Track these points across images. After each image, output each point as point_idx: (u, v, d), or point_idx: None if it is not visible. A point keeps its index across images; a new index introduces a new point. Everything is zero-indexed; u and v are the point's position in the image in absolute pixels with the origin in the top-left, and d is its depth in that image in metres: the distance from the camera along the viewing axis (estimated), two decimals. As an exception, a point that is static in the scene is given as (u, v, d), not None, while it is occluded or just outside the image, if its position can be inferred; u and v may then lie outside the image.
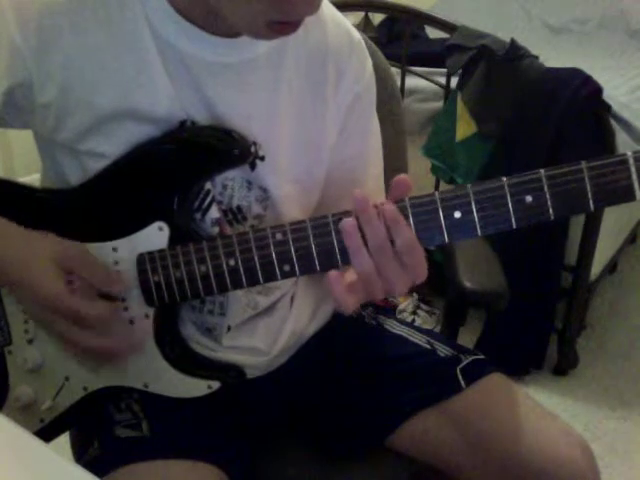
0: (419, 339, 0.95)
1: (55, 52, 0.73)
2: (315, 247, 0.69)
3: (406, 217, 0.65)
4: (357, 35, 0.88)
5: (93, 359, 0.78)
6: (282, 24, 0.67)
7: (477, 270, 0.99)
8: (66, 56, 0.73)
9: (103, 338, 0.74)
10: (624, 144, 1.72)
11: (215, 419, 0.84)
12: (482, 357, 0.91)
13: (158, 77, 0.74)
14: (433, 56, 1.98)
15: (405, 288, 0.67)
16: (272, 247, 0.70)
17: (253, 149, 0.78)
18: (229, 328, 0.85)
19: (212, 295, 0.77)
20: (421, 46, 2.28)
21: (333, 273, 0.66)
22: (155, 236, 0.76)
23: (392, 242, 0.65)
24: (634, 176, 0.60)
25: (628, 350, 2.09)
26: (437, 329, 1.88)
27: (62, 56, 0.73)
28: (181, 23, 0.74)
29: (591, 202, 0.62)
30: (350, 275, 0.68)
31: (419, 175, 1.91)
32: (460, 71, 1.82)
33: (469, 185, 0.64)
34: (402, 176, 0.66)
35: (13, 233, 0.75)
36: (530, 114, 1.73)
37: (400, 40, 2.09)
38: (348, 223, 0.65)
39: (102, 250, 0.76)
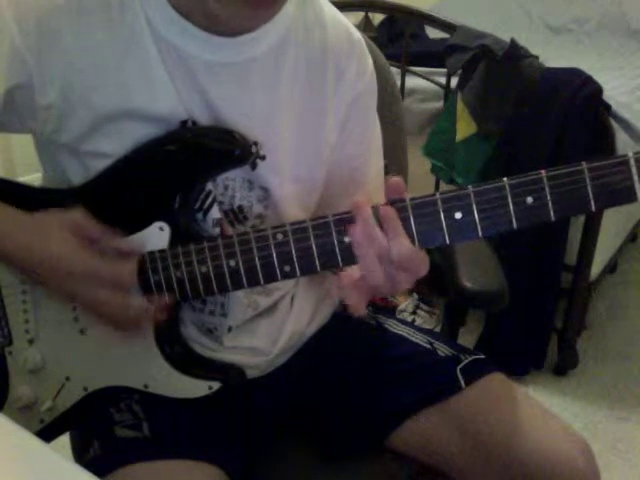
0: (419, 339, 0.95)
1: (55, 53, 0.73)
2: (316, 248, 0.69)
3: (407, 218, 0.65)
4: (357, 34, 0.88)
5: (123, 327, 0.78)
6: None
7: (477, 270, 0.99)
8: (67, 57, 0.73)
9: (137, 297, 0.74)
10: (624, 144, 1.72)
11: (215, 419, 0.84)
12: (482, 357, 0.91)
13: (159, 77, 0.74)
14: (433, 56, 1.98)
15: (409, 286, 0.68)
16: (273, 248, 0.70)
17: (254, 149, 0.78)
18: (230, 329, 0.85)
19: (213, 295, 0.77)
20: (421, 46, 2.28)
21: (343, 275, 0.67)
22: (156, 236, 0.75)
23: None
24: (635, 177, 0.60)
25: (628, 350, 2.09)
26: (437, 329, 1.87)
27: (63, 57, 0.73)
28: (181, 23, 0.74)
29: (592, 203, 0.61)
30: (355, 272, 0.68)
31: (419, 175, 1.91)
32: (460, 71, 1.82)
33: (470, 186, 0.64)
34: (394, 179, 0.66)
35: (18, 219, 0.75)
36: (530, 114, 1.73)
37: (400, 40, 2.09)
38: (356, 232, 0.66)
39: None
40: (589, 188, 0.61)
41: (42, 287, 0.78)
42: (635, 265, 2.56)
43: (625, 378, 1.97)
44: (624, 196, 0.61)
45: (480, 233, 0.65)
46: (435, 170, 1.94)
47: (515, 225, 0.64)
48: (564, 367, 1.98)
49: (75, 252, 0.72)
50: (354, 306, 0.67)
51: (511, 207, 0.63)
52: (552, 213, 0.62)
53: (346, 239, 0.67)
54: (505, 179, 0.63)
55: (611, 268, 2.31)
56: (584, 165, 0.61)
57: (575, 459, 0.82)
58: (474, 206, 0.64)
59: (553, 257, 1.83)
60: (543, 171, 0.62)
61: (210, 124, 0.77)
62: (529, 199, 0.63)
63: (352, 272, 0.68)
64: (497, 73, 1.74)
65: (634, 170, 0.60)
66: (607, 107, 1.72)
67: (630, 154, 0.60)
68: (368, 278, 0.66)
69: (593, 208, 0.62)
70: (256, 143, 0.78)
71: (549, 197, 0.62)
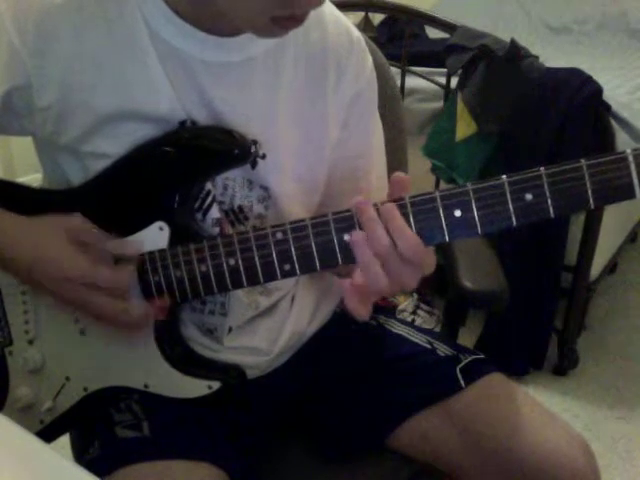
0: (419, 339, 0.95)
1: (54, 55, 0.73)
2: (315, 246, 0.68)
3: (406, 216, 0.65)
4: (357, 33, 0.87)
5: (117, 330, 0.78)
6: (287, 19, 0.66)
7: (477, 270, 0.99)
8: (65, 59, 0.73)
9: (132, 300, 0.75)
10: (624, 144, 1.72)
11: (215, 419, 0.84)
12: (482, 357, 0.91)
13: (157, 78, 0.74)
14: (433, 56, 1.98)
15: (416, 282, 0.67)
16: (272, 246, 0.70)
17: (253, 149, 0.77)
18: (230, 329, 0.85)
19: (212, 295, 0.77)
20: (421, 46, 2.28)
21: (347, 285, 0.65)
22: (155, 236, 0.75)
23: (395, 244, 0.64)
24: (634, 174, 0.60)
25: (628, 350, 2.10)
26: (437, 329, 1.87)
27: (61, 59, 0.73)
28: (179, 23, 0.74)
29: (591, 200, 0.61)
30: (357, 277, 0.67)
31: (419, 175, 1.91)
32: (460, 71, 1.82)
33: (469, 183, 0.64)
34: (399, 174, 0.66)
35: (14, 224, 0.75)
36: (530, 114, 1.73)
37: (400, 40, 2.09)
38: (357, 236, 0.64)
39: None
40: (588, 185, 0.61)
41: (42, 293, 0.78)
42: (635, 265, 2.56)
43: (625, 378, 1.97)
44: (623, 193, 0.61)
45: (480, 230, 0.64)
46: (435, 170, 1.94)
47: (514, 222, 0.63)
48: (564, 367, 1.98)
49: (71, 258, 0.72)
50: (356, 311, 0.66)
51: (510, 204, 0.63)
52: (551, 210, 0.62)
53: (345, 237, 0.67)
54: (504, 176, 0.63)
55: (611, 268, 2.31)
56: (583, 162, 0.61)
57: (575, 459, 0.81)
58: (473, 203, 0.64)
59: (553, 257, 1.83)
60: (542, 168, 0.62)
61: (209, 124, 0.77)
62: (528, 196, 0.63)
63: (355, 277, 0.67)
64: (497, 73, 1.74)
65: (633, 167, 0.60)
66: (607, 107, 1.72)
67: (628, 151, 0.60)
68: (369, 281, 0.65)
69: (592, 205, 0.62)
70: (255, 142, 0.78)
71: (548, 194, 0.62)
